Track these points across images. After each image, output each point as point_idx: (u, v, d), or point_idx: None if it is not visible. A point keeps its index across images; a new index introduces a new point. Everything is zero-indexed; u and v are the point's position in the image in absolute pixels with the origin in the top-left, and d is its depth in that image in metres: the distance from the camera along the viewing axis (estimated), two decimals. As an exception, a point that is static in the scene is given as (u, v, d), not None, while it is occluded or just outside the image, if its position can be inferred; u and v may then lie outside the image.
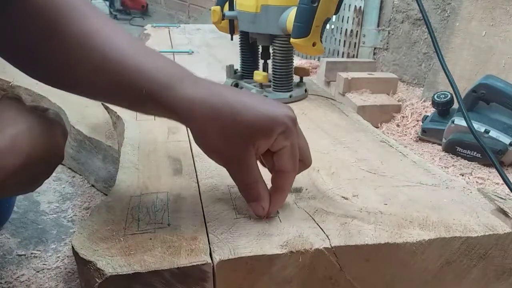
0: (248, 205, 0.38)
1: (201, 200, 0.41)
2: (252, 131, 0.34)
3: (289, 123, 0.36)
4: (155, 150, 0.52)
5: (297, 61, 1.80)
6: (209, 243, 0.34)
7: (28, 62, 0.37)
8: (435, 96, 1.05)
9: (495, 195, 0.43)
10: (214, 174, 0.46)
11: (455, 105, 1.04)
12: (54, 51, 0.35)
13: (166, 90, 0.34)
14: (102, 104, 0.72)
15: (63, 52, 0.35)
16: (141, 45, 0.38)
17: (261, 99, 0.37)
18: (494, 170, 0.91)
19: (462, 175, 0.90)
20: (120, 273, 0.30)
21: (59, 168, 0.88)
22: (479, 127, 0.93)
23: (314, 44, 0.64)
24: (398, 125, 1.17)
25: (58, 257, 0.61)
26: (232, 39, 0.78)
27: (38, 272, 0.57)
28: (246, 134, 0.34)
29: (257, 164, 0.36)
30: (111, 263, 0.31)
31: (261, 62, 0.79)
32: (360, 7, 1.66)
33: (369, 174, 0.47)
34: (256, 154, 0.36)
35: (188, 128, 0.36)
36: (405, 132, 1.14)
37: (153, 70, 0.34)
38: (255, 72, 0.73)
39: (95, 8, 0.37)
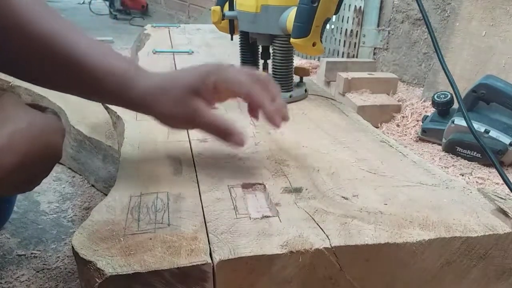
0: (229, 144, 0.43)
1: (201, 200, 0.41)
2: (191, 87, 0.42)
3: (214, 68, 0.44)
4: (155, 150, 0.52)
5: (297, 61, 1.80)
6: (209, 243, 0.34)
7: None
8: (435, 96, 1.05)
9: (495, 195, 0.43)
10: (214, 174, 0.46)
11: (455, 105, 1.04)
12: (16, 50, 0.40)
13: (123, 89, 0.42)
14: (102, 104, 0.72)
15: (26, 52, 0.39)
16: (98, 45, 0.43)
17: (192, 67, 0.45)
18: (494, 170, 0.91)
19: (462, 175, 0.90)
20: (120, 273, 0.30)
21: (59, 168, 0.88)
22: (479, 127, 0.93)
23: (314, 44, 0.64)
24: (398, 125, 1.17)
25: (58, 257, 0.61)
26: (232, 39, 0.78)
27: (38, 272, 0.57)
28: (188, 92, 0.42)
29: (211, 110, 0.43)
30: (111, 263, 0.31)
31: (261, 62, 0.79)
32: (360, 7, 1.66)
33: (369, 174, 0.47)
34: (206, 101, 0.43)
35: (152, 116, 0.44)
36: (405, 132, 1.14)
37: (110, 71, 0.42)
38: (255, 72, 0.73)
39: (52, 9, 0.42)
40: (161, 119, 0.44)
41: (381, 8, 1.62)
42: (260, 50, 0.78)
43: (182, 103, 0.42)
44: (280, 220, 0.37)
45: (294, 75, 0.77)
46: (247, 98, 0.43)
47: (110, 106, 0.69)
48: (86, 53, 0.41)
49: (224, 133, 0.43)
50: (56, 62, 0.40)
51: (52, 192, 0.78)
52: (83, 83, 0.42)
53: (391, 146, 0.56)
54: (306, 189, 0.43)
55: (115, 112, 0.66)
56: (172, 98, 0.42)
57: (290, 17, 0.66)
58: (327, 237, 0.35)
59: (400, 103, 1.25)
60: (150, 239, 0.34)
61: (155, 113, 0.43)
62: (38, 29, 0.39)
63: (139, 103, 0.43)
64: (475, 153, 0.95)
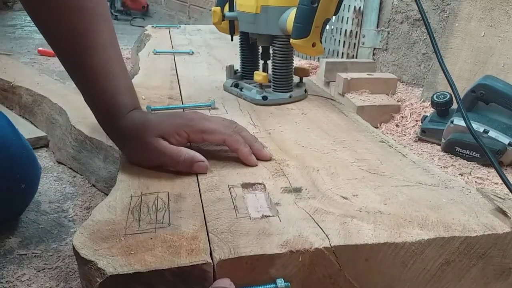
0: (192, 171, 0.46)
1: (201, 200, 0.41)
2: (161, 131, 0.46)
3: (191, 121, 0.48)
4: (155, 150, 0.52)
5: (297, 62, 1.80)
6: (209, 243, 0.34)
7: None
8: (434, 97, 1.05)
9: (494, 195, 0.43)
10: (214, 174, 0.46)
11: (454, 105, 1.04)
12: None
13: (112, 118, 0.48)
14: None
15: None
16: (117, 67, 0.49)
17: (168, 113, 0.50)
18: (493, 170, 0.91)
19: (461, 175, 0.90)
20: (121, 273, 0.31)
21: (60, 168, 0.88)
22: (478, 127, 0.93)
23: (313, 45, 0.64)
24: (397, 125, 1.17)
25: (59, 256, 0.61)
26: (232, 39, 0.79)
27: (39, 271, 0.58)
28: (157, 133, 0.46)
29: (177, 146, 0.46)
30: (112, 262, 0.31)
31: (261, 62, 0.79)
32: (360, 7, 1.66)
33: (368, 174, 0.48)
34: (174, 144, 0.46)
35: (122, 152, 0.50)
36: (405, 132, 1.14)
37: (112, 97, 0.48)
38: (255, 72, 0.74)
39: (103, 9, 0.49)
40: (128, 155, 0.49)
41: (380, 9, 1.62)
42: (260, 50, 0.78)
43: (148, 147, 0.46)
44: (280, 219, 0.38)
45: (294, 76, 0.77)
46: (224, 144, 0.48)
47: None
48: (102, 63, 0.47)
49: (188, 159, 0.45)
50: (76, 46, 0.46)
51: (53, 192, 0.79)
52: (84, 81, 0.49)
53: (390, 146, 0.56)
54: (306, 189, 0.43)
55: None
56: (139, 139, 0.46)
57: (290, 17, 0.66)
58: (327, 236, 0.35)
59: (400, 103, 1.25)
60: (151, 238, 0.34)
61: (124, 150, 0.50)
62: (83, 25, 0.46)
63: (115, 135, 0.49)
64: (474, 153, 0.95)
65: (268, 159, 0.49)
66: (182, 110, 0.68)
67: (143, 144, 0.46)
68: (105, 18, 0.49)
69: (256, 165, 0.48)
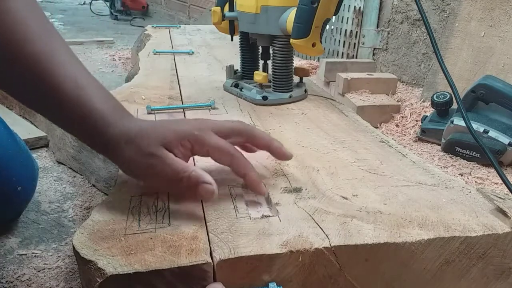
0: (196, 195, 0.38)
1: (201, 200, 0.41)
2: (164, 139, 0.39)
3: (198, 133, 0.40)
4: (155, 150, 0.52)
5: (297, 62, 1.80)
6: (209, 243, 0.34)
7: None
8: (434, 97, 1.05)
9: (494, 195, 0.43)
10: (214, 174, 0.46)
11: (454, 105, 1.04)
12: (4, 70, 0.39)
13: (98, 131, 0.40)
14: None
15: (12, 72, 0.39)
16: (84, 76, 0.42)
17: (169, 121, 0.43)
18: (493, 170, 0.91)
19: (461, 175, 0.90)
20: (121, 273, 0.31)
21: (60, 168, 0.88)
22: (478, 127, 0.93)
23: (313, 45, 0.64)
24: (397, 125, 1.17)
25: (59, 256, 0.61)
26: (232, 39, 0.79)
27: (39, 271, 0.58)
28: (158, 143, 0.39)
29: (181, 160, 0.39)
30: (112, 262, 0.31)
31: (261, 62, 0.79)
32: (360, 7, 1.66)
33: (368, 174, 0.48)
34: (178, 156, 0.39)
35: (117, 165, 0.42)
36: (404, 132, 1.14)
37: (90, 109, 0.40)
38: (255, 72, 0.74)
39: (50, 27, 0.42)
40: (123, 168, 0.42)
41: (380, 9, 1.62)
42: (260, 50, 0.78)
43: (147, 153, 0.39)
44: (280, 219, 0.38)
45: (294, 76, 0.77)
46: (230, 166, 0.42)
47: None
48: (67, 84, 0.40)
49: (191, 183, 0.38)
50: (38, 85, 0.39)
51: (53, 192, 0.79)
52: (57, 110, 0.41)
53: (390, 146, 0.56)
54: (306, 189, 0.43)
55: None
56: (137, 148, 0.39)
57: (290, 17, 0.66)
58: (327, 236, 0.35)
59: (400, 103, 1.25)
60: (151, 238, 0.34)
61: (118, 162, 0.41)
62: (29, 49, 0.39)
63: (106, 148, 0.41)
64: (474, 153, 0.95)
65: (288, 159, 0.45)
66: (182, 110, 0.68)
67: (141, 155, 0.39)
68: (56, 36, 0.42)
69: (265, 194, 0.42)
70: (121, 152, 0.40)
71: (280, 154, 0.44)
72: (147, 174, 0.39)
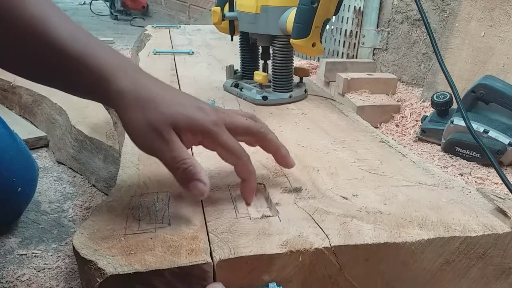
0: (186, 189, 0.36)
1: (201, 200, 0.41)
2: (175, 121, 0.37)
3: (212, 128, 0.38)
4: (155, 150, 0.52)
5: (297, 62, 1.80)
6: (209, 243, 0.34)
7: None
8: (434, 97, 1.05)
9: (494, 195, 0.43)
10: (214, 174, 0.46)
11: (454, 105, 1.04)
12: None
13: (103, 82, 0.37)
14: (103, 104, 0.72)
15: (4, 35, 0.37)
16: (84, 34, 0.39)
17: (187, 98, 0.40)
18: (493, 170, 0.91)
19: (461, 175, 0.90)
20: (121, 273, 0.31)
21: (60, 168, 0.88)
22: (478, 127, 0.93)
23: (313, 45, 0.64)
24: (397, 125, 1.17)
25: (59, 256, 0.61)
26: (232, 39, 0.79)
27: (39, 271, 0.58)
28: (168, 123, 0.36)
29: (186, 148, 0.37)
30: (112, 262, 0.31)
31: (261, 62, 0.79)
32: (360, 7, 1.66)
33: (368, 174, 0.48)
34: (183, 142, 0.37)
35: (119, 116, 0.38)
36: (404, 132, 1.14)
37: (90, 60, 0.37)
38: (255, 72, 0.74)
39: None
40: (128, 132, 0.38)
41: (380, 9, 1.62)
42: (260, 50, 0.78)
43: (154, 128, 0.36)
44: (280, 219, 0.38)
45: (294, 76, 0.77)
46: (233, 166, 0.40)
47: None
48: (68, 40, 0.37)
49: (186, 174, 0.36)
50: (37, 48, 0.37)
51: (53, 192, 0.79)
52: (63, 72, 0.38)
53: (390, 146, 0.56)
54: (306, 189, 0.43)
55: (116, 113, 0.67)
56: (144, 115, 0.36)
57: (290, 17, 0.66)
58: (327, 236, 0.35)
59: (400, 103, 1.25)
60: (151, 238, 0.34)
61: (123, 122, 0.38)
62: (23, 14, 0.37)
63: (112, 102, 0.38)
64: (474, 153, 0.95)
65: (291, 167, 0.45)
66: None
67: (146, 124, 0.36)
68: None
69: (249, 205, 0.41)
70: (125, 112, 0.37)
71: (284, 162, 0.44)
72: (145, 146, 0.38)
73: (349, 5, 1.70)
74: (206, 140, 0.39)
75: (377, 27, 1.64)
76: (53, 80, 0.41)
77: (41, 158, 0.92)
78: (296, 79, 0.79)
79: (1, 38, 0.37)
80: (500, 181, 0.71)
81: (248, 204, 0.41)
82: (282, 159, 0.44)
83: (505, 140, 0.91)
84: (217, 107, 0.42)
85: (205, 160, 0.49)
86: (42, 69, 0.39)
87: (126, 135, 0.56)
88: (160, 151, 0.37)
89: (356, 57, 1.71)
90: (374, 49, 1.67)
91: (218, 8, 0.76)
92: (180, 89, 0.80)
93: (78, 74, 0.38)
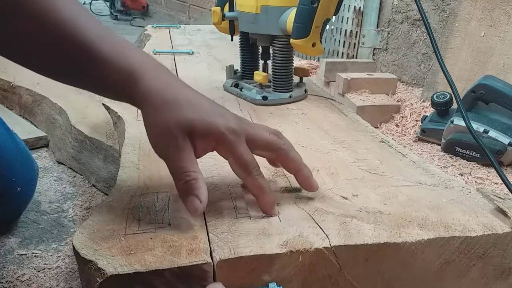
0: (182, 201, 0.36)
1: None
2: (190, 128, 0.36)
3: (228, 135, 0.37)
4: (155, 150, 0.52)
5: (297, 62, 1.80)
6: (209, 243, 0.34)
7: None
8: (434, 97, 1.05)
9: (494, 195, 0.43)
10: (214, 174, 0.46)
11: (454, 105, 1.04)
12: (29, 37, 0.37)
13: (130, 82, 0.37)
14: (103, 104, 0.72)
15: (38, 38, 0.37)
16: (112, 35, 0.39)
17: (210, 103, 0.39)
18: (493, 170, 0.91)
19: (461, 175, 0.90)
20: (121, 273, 0.31)
21: (60, 168, 0.88)
22: (478, 127, 0.93)
23: (313, 45, 0.64)
24: (397, 125, 1.17)
25: (59, 256, 0.61)
26: (232, 39, 0.79)
27: (39, 271, 0.58)
28: (184, 128, 0.36)
29: (195, 160, 0.37)
30: (112, 262, 0.31)
31: (261, 62, 0.79)
32: (360, 7, 1.66)
33: (368, 174, 0.48)
34: (195, 151, 0.37)
35: (142, 114, 0.38)
36: (404, 132, 1.14)
37: (119, 60, 0.38)
38: (255, 72, 0.74)
39: None
40: (146, 132, 0.38)
41: (380, 9, 1.62)
42: (260, 50, 0.78)
43: (168, 132, 0.36)
44: (280, 219, 0.38)
45: (294, 76, 0.77)
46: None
47: (110, 106, 0.69)
48: (98, 41, 0.38)
49: (186, 187, 0.36)
50: (67, 49, 0.38)
51: (53, 192, 0.79)
52: (92, 72, 0.38)
53: (390, 146, 0.56)
54: (306, 189, 0.43)
55: (116, 112, 0.67)
56: (165, 121, 0.36)
57: (290, 17, 0.66)
58: (327, 236, 0.35)
59: (400, 103, 1.25)
60: (151, 238, 0.34)
61: (144, 122, 0.38)
62: (55, 15, 0.37)
63: (138, 102, 0.38)
64: (474, 153, 0.95)
65: (314, 190, 0.41)
66: None
67: (161, 127, 0.36)
68: None
69: (275, 215, 0.38)
70: (146, 111, 0.38)
71: (306, 184, 0.41)
72: (157, 148, 0.38)
73: (349, 5, 1.70)
74: (220, 146, 0.38)
75: (377, 27, 1.64)
76: (82, 80, 0.41)
77: (41, 158, 0.92)
78: (296, 79, 0.79)
79: (32, 39, 0.37)
80: (500, 181, 0.71)
81: (272, 215, 0.38)
82: (304, 180, 0.41)
83: (505, 140, 0.91)
84: (242, 118, 0.40)
85: (205, 158, 0.49)
86: (71, 70, 0.39)
87: (126, 135, 0.56)
88: (170, 157, 0.36)
89: (356, 57, 1.71)
90: (374, 49, 1.67)
91: (218, 8, 0.76)
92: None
93: (106, 73, 0.38)
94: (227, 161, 0.39)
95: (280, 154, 0.40)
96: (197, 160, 0.37)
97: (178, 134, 0.36)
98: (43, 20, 0.36)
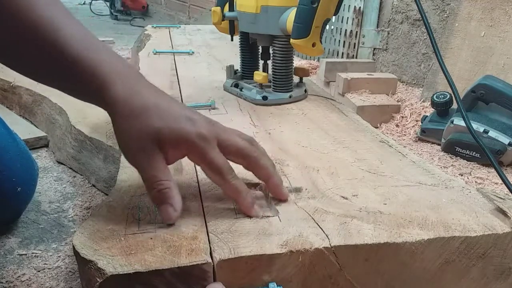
0: (158, 210, 0.36)
1: (201, 200, 0.41)
2: (159, 137, 0.36)
3: (198, 142, 0.36)
4: (155, 150, 0.52)
5: (297, 62, 1.80)
6: (209, 243, 0.34)
7: None
8: (434, 97, 1.05)
9: (494, 195, 0.43)
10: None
11: (454, 105, 1.04)
12: (4, 36, 0.37)
13: (99, 87, 0.37)
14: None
15: (10, 34, 0.37)
16: (88, 37, 0.39)
17: (180, 108, 0.38)
18: (493, 170, 0.91)
19: (461, 175, 0.90)
20: (121, 273, 0.31)
21: (60, 168, 0.88)
22: (478, 127, 0.93)
23: (313, 45, 0.64)
24: (397, 125, 1.17)
25: (59, 256, 0.61)
26: (232, 39, 0.79)
27: (39, 271, 0.58)
28: (153, 137, 0.36)
29: (167, 168, 0.37)
30: (112, 262, 0.31)
31: (261, 62, 0.79)
32: (360, 7, 1.66)
33: (368, 174, 0.48)
34: (166, 158, 0.37)
35: (112, 122, 0.38)
36: (404, 132, 1.14)
37: (92, 65, 0.37)
38: (255, 72, 0.74)
39: None
40: (117, 140, 0.38)
41: (380, 9, 1.62)
42: (260, 50, 0.78)
43: (138, 143, 0.36)
44: (280, 219, 0.38)
45: (294, 76, 0.77)
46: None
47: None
48: (69, 41, 0.37)
49: (159, 196, 0.36)
50: (39, 48, 0.37)
51: (53, 192, 0.79)
52: (61, 72, 0.38)
53: (390, 146, 0.56)
54: (306, 189, 0.43)
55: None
56: (134, 130, 0.36)
57: (290, 17, 0.66)
58: (327, 236, 0.35)
59: (400, 103, 1.25)
60: (151, 238, 0.34)
61: (114, 129, 0.38)
62: (31, 16, 0.37)
63: (107, 108, 0.38)
64: (474, 153, 0.95)
65: (284, 199, 0.41)
66: None
67: (132, 137, 0.36)
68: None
69: (259, 217, 0.38)
70: (115, 120, 0.37)
71: (276, 192, 0.41)
72: (128, 157, 0.37)
73: (349, 5, 1.70)
74: (191, 154, 0.37)
75: (377, 27, 1.64)
76: (54, 80, 0.41)
77: (41, 158, 0.92)
78: (296, 79, 0.79)
79: (7, 36, 0.38)
80: (500, 181, 0.71)
81: (256, 216, 0.38)
82: (274, 188, 0.41)
83: (505, 140, 0.91)
84: (216, 122, 0.40)
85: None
86: (44, 69, 0.40)
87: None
88: (141, 166, 0.36)
89: (356, 57, 1.71)
90: (374, 49, 1.67)
91: (218, 8, 0.76)
92: (180, 89, 0.80)
93: (76, 76, 0.38)
94: (211, 179, 0.39)
95: (251, 161, 0.40)
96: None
97: (146, 143, 0.36)
98: (18, 17, 0.37)
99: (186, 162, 0.48)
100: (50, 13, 0.38)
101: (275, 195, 0.41)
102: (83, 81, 0.38)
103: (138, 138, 0.36)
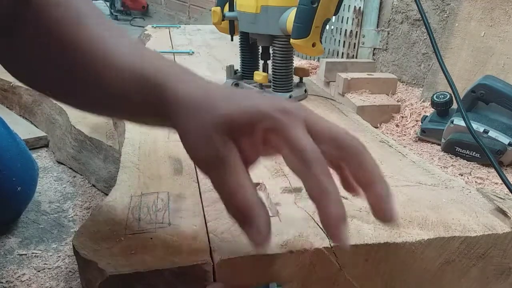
0: (241, 226, 0.28)
1: (201, 200, 0.41)
2: (230, 124, 0.28)
3: (278, 115, 0.27)
4: (155, 150, 0.52)
5: (297, 62, 1.80)
6: (209, 243, 0.34)
7: (27, 71, 0.36)
8: (434, 97, 1.05)
9: (494, 195, 0.43)
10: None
11: (454, 105, 1.04)
12: (55, 58, 0.34)
13: (156, 89, 0.31)
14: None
15: (63, 59, 0.34)
16: (142, 50, 0.35)
17: (251, 93, 0.32)
18: (493, 170, 0.91)
19: (461, 175, 0.90)
20: (121, 273, 0.31)
21: (60, 168, 0.88)
22: (478, 127, 0.93)
23: (313, 45, 0.64)
24: (397, 125, 1.17)
25: (59, 256, 0.61)
26: (232, 39, 0.79)
27: (39, 271, 0.58)
28: (224, 128, 0.28)
29: (243, 167, 0.28)
30: (112, 262, 0.31)
31: (261, 62, 0.79)
32: (360, 7, 1.66)
33: (368, 174, 0.47)
34: (245, 153, 0.29)
35: (177, 132, 0.31)
36: (404, 132, 1.14)
37: (145, 68, 0.33)
38: (255, 72, 0.74)
39: (94, 9, 0.36)
40: (183, 144, 0.31)
41: (380, 9, 1.62)
42: (260, 50, 0.78)
43: (207, 139, 0.28)
44: (280, 219, 0.38)
45: (294, 76, 0.77)
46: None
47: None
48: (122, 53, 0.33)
49: (240, 210, 0.28)
50: (94, 69, 0.33)
51: (53, 192, 0.79)
52: (109, 89, 0.33)
53: (390, 146, 0.56)
54: (306, 189, 0.43)
55: (116, 113, 0.67)
56: (195, 126, 0.29)
57: (290, 17, 0.66)
58: (327, 236, 0.35)
59: (400, 103, 1.25)
60: (151, 238, 0.34)
61: (178, 133, 0.31)
62: (79, 36, 0.33)
63: (168, 108, 0.31)
64: (474, 153, 0.95)
65: (387, 221, 0.29)
66: None
67: (197, 135, 0.29)
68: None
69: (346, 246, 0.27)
70: (184, 124, 0.30)
71: (377, 205, 0.28)
72: (197, 158, 0.30)
73: (349, 5, 1.70)
74: (271, 133, 0.28)
75: (377, 27, 1.64)
76: (107, 106, 0.36)
77: (41, 158, 0.92)
78: (296, 79, 0.79)
79: (56, 62, 0.34)
80: (500, 181, 0.71)
81: (337, 241, 0.27)
82: (375, 199, 0.28)
83: (505, 140, 0.91)
84: (301, 104, 0.32)
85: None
86: (97, 95, 0.34)
87: (126, 135, 0.56)
88: (211, 172, 0.29)
89: (356, 57, 1.71)
90: (374, 49, 1.67)
91: (218, 8, 0.76)
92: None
93: (131, 86, 0.32)
94: (291, 168, 0.28)
95: (349, 153, 0.29)
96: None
97: (216, 138, 0.28)
98: (66, 40, 0.33)
99: (186, 162, 0.49)
100: (99, 32, 0.34)
101: (377, 209, 0.28)
102: (138, 89, 0.32)
103: (206, 134, 0.28)
